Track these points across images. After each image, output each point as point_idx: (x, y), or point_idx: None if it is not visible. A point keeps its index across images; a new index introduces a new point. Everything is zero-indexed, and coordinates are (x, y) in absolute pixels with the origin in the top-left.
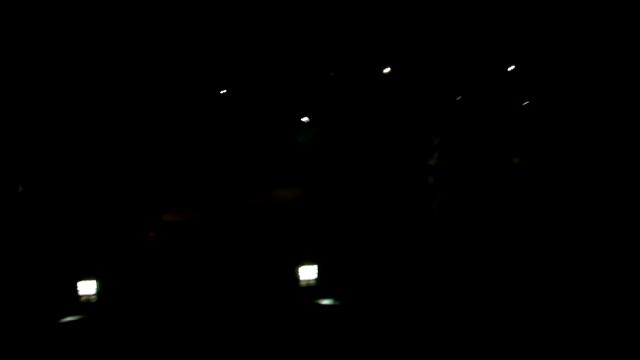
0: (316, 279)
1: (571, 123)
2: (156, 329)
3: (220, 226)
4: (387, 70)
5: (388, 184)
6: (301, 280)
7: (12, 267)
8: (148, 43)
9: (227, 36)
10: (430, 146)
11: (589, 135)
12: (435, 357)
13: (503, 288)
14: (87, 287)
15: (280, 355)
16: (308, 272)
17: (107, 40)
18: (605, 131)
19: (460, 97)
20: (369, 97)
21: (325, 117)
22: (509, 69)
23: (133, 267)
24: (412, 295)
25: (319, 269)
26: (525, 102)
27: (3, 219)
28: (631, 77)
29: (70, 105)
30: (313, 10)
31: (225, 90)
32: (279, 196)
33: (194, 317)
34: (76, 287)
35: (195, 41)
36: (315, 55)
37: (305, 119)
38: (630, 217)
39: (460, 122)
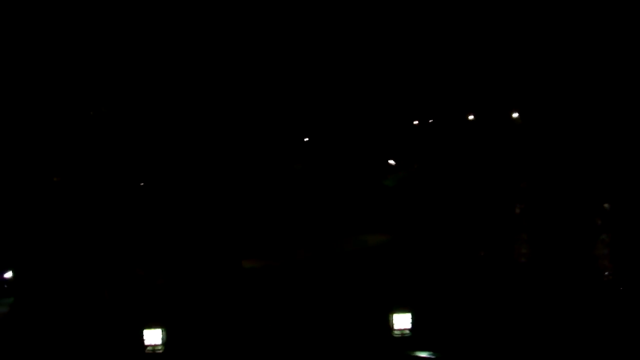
0: (411, 329)
1: None
2: None
3: (309, 272)
4: (471, 117)
5: (475, 230)
6: (395, 330)
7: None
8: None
9: (311, 86)
10: (514, 193)
11: None
12: None
13: (604, 339)
14: (153, 336)
15: None
16: (402, 321)
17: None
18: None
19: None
20: (455, 142)
21: (412, 160)
22: None
23: (216, 315)
24: (513, 349)
25: (413, 317)
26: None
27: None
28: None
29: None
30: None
31: (308, 138)
32: (368, 242)
33: None
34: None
35: (278, 92)
36: (401, 100)
37: (392, 162)
38: None
39: (543, 170)
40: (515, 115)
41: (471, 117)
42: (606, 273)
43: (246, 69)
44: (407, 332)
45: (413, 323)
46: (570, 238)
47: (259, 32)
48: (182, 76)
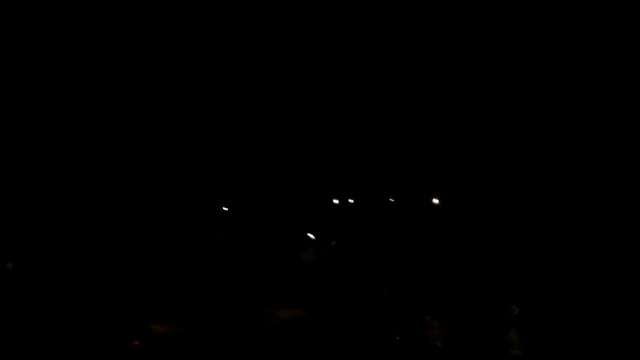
0: None
1: None
2: None
3: (218, 341)
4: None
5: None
6: None
7: None
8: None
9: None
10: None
11: None
12: None
13: None
14: None
15: None
16: None
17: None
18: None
19: None
20: (375, 221)
21: (331, 235)
22: None
23: None
24: None
25: None
26: None
27: None
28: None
29: None
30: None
31: (226, 208)
32: (280, 316)
33: None
34: None
35: (199, 158)
36: (322, 178)
37: (311, 236)
38: None
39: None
40: (435, 200)
41: (391, 200)
42: None
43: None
44: None
45: None
46: None
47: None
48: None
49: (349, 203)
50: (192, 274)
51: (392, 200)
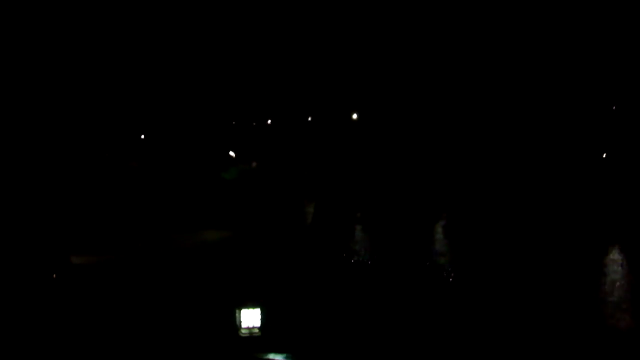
0: (260, 327)
1: None
2: None
3: (146, 267)
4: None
5: (318, 225)
6: (242, 329)
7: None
8: None
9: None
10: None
11: None
12: None
13: None
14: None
15: None
16: (250, 318)
17: None
18: None
19: None
20: (294, 141)
21: (254, 153)
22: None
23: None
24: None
25: (263, 314)
26: None
27: None
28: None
29: None
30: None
31: (143, 136)
32: (207, 237)
33: None
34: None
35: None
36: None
37: (231, 154)
38: None
39: None
40: (354, 116)
41: (309, 119)
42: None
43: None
44: (256, 330)
45: (263, 320)
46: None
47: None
48: None
49: (268, 124)
50: (115, 204)
51: (310, 120)
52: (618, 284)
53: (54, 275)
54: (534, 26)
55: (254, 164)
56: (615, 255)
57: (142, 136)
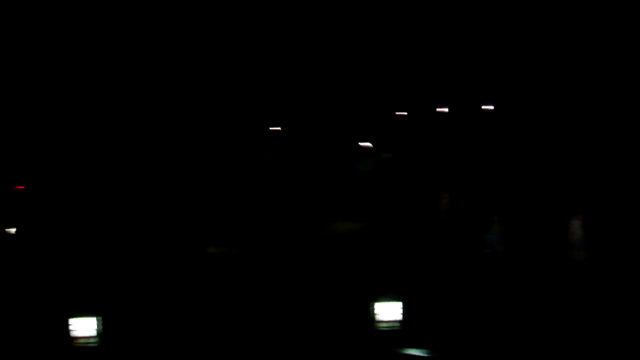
0: (401, 321)
1: None
2: None
3: (279, 261)
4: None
5: (461, 218)
6: (381, 322)
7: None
8: None
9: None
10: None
11: None
12: None
13: None
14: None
15: None
16: (390, 312)
17: None
18: None
19: None
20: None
21: (390, 143)
22: None
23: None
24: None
25: (404, 308)
26: None
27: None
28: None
29: None
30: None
31: (278, 127)
32: (342, 228)
33: None
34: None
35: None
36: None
37: (368, 144)
38: None
39: None
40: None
41: (446, 110)
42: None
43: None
44: (397, 324)
45: (403, 314)
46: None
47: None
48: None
49: (403, 115)
50: (249, 194)
51: (447, 110)
52: None
53: (191, 266)
54: None
55: (389, 155)
56: None
57: (278, 128)
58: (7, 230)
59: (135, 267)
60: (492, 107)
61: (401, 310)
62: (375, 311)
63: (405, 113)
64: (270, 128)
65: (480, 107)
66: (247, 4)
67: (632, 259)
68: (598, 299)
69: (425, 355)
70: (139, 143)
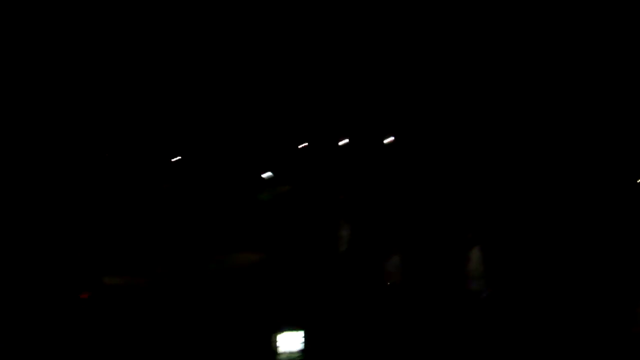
0: (302, 350)
1: None
2: None
3: (175, 291)
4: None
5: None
6: (281, 353)
7: None
8: None
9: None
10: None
11: None
12: None
13: None
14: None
15: None
16: (291, 341)
17: None
18: None
19: None
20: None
21: (293, 173)
22: None
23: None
24: None
25: (305, 337)
26: None
27: None
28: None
29: None
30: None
31: (179, 157)
32: (237, 261)
33: None
34: None
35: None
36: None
37: (267, 175)
38: None
39: None
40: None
41: (343, 142)
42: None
43: None
44: (297, 355)
45: (303, 344)
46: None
47: None
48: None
49: (305, 146)
50: (146, 223)
51: (348, 142)
52: None
53: (85, 296)
54: None
55: (288, 187)
56: None
57: (176, 158)
58: None
59: None
60: (392, 139)
61: (302, 340)
62: (277, 342)
63: (307, 144)
64: (171, 159)
65: (382, 139)
66: None
67: (529, 288)
68: (495, 328)
69: None
70: None
